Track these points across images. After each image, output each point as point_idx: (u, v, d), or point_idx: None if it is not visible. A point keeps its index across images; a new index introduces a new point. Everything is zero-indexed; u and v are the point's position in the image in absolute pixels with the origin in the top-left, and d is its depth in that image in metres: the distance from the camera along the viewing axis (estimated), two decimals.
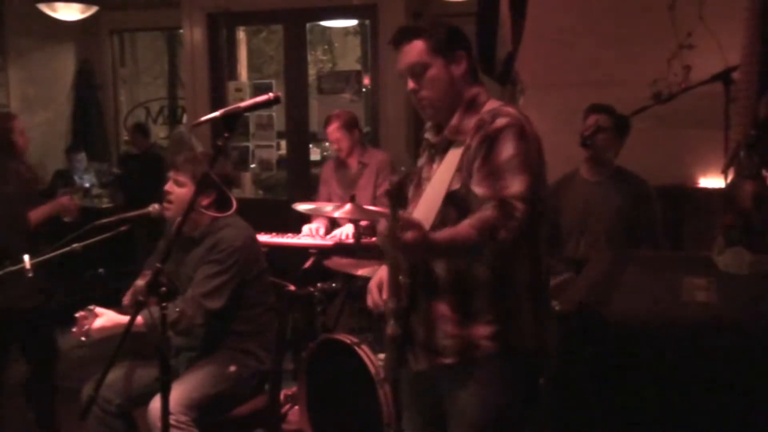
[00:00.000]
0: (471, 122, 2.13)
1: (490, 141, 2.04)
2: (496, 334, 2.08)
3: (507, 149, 2.02)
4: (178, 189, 3.09)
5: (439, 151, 2.21)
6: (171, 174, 3.12)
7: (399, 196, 1.86)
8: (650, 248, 3.51)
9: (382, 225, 1.89)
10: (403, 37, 2.18)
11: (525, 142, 2.05)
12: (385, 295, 2.17)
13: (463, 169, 2.08)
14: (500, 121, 2.06)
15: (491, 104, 2.17)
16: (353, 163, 4.60)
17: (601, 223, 3.60)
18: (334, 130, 4.51)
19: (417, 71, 2.16)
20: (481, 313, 2.09)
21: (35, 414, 3.95)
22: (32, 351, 3.96)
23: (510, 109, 2.12)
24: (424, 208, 2.16)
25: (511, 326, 2.10)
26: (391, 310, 2.13)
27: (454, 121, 2.16)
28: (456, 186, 2.09)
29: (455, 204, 2.09)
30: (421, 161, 2.32)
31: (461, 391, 2.13)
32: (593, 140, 3.58)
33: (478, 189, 2.02)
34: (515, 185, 1.98)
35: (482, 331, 2.09)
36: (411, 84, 2.18)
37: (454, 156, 2.14)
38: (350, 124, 4.53)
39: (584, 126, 3.63)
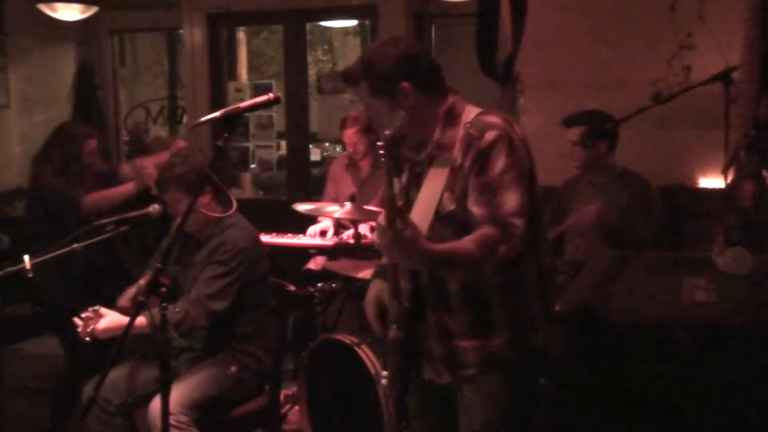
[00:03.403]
0: (454, 135, 2.10)
1: (483, 158, 2.03)
2: (512, 339, 2.10)
3: (499, 163, 2.01)
4: (178, 207, 3.03)
5: (425, 168, 2.17)
6: (165, 198, 3.08)
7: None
8: (652, 249, 3.51)
9: (382, 218, 1.88)
10: (348, 82, 2.18)
11: (515, 152, 2.04)
12: (388, 298, 2.16)
13: (456, 188, 2.06)
14: (489, 135, 2.04)
15: (469, 112, 2.13)
16: (366, 165, 4.54)
17: (604, 225, 3.59)
18: (352, 134, 4.42)
19: (370, 112, 2.19)
20: (497, 322, 2.10)
21: (53, 413, 3.85)
22: (75, 349, 3.89)
23: (494, 119, 2.08)
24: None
25: (525, 329, 2.12)
26: (393, 315, 2.12)
27: (437, 136, 2.13)
28: (451, 207, 2.07)
29: (452, 226, 2.07)
30: (404, 181, 2.27)
31: (473, 394, 2.14)
32: (593, 142, 3.59)
33: (474, 209, 2.02)
34: (510, 202, 1.99)
35: (500, 339, 2.10)
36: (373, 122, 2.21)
37: (439, 173, 2.11)
38: (368, 128, 4.46)
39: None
